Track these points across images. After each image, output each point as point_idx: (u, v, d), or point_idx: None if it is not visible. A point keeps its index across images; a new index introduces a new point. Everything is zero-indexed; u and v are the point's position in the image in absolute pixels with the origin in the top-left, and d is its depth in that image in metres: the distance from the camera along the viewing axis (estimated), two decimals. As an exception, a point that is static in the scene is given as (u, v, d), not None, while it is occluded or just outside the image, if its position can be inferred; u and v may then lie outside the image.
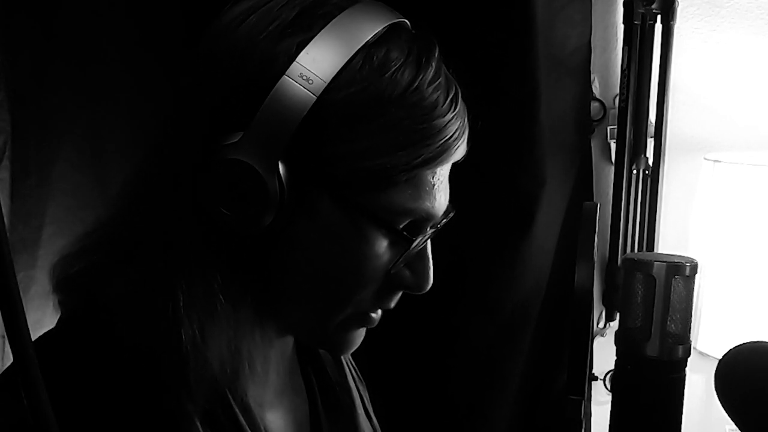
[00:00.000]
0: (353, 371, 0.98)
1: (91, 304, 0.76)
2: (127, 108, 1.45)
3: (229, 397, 0.77)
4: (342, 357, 0.96)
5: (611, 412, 0.98)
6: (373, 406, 0.99)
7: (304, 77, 0.68)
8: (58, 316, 0.80)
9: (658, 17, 1.55)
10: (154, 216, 0.74)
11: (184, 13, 1.41)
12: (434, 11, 1.09)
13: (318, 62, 0.69)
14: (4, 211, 0.44)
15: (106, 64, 1.44)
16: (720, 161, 1.47)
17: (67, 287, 0.78)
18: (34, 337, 0.48)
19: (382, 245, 0.75)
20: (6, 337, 0.57)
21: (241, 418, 0.78)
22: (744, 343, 0.90)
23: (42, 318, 1.38)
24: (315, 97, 0.69)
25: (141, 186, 0.77)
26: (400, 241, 0.75)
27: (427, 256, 0.79)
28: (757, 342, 0.90)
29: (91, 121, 1.46)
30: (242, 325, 0.75)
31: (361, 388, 0.98)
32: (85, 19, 1.42)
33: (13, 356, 0.46)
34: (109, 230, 0.79)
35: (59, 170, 1.45)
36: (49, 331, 0.79)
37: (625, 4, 1.56)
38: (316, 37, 0.70)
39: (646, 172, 1.60)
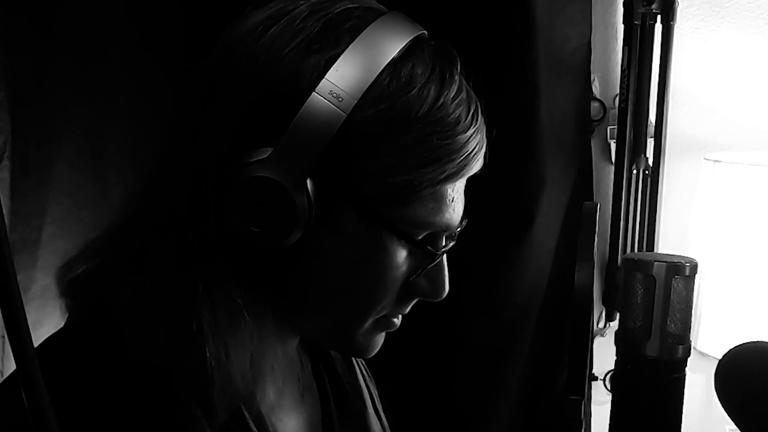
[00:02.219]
0: (363, 370, 0.99)
1: (101, 310, 0.75)
2: (127, 108, 1.45)
3: (242, 407, 0.77)
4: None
5: (611, 412, 0.98)
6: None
7: (334, 95, 0.68)
8: (66, 319, 0.79)
9: (658, 17, 1.55)
10: (173, 229, 0.73)
11: (184, 13, 1.41)
12: (434, 11, 1.09)
13: (347, 79, 0.69)
14: (4, 211, 0.44)
15: (106, 64, 1.44)
16: (720, 161, 1.47)
17: (74, 290, 0.78)
18: (34, 337, 0.48)
19: (402, 256, 0.75)
20: (6, 337, 0.57)
21: (253, 427, 0.77)
22: (744, 343, 0.90)
23: (42, 318, 1.38)
24: (345, 115, 0.68)
25: (154, 196, 0.76)
26: (422, 253, 0.76)
27: (443, 266, 0.79)
28: (757, 342, 0.90)
29: (91, 121, 1.46)
30: (264, 339, 0.75)
31: (371, 386, 0.98)
32: (85, 19, 1.42)
33: (14, 356, 0.46)
34: (118, 235, 0.78)
35: (59, 170, 1.45)
36: (56, 333, 0.78)
37: (625, 4, 1.55)
38: (344, 54, 0.69)
39: (646, 172, 1.60)
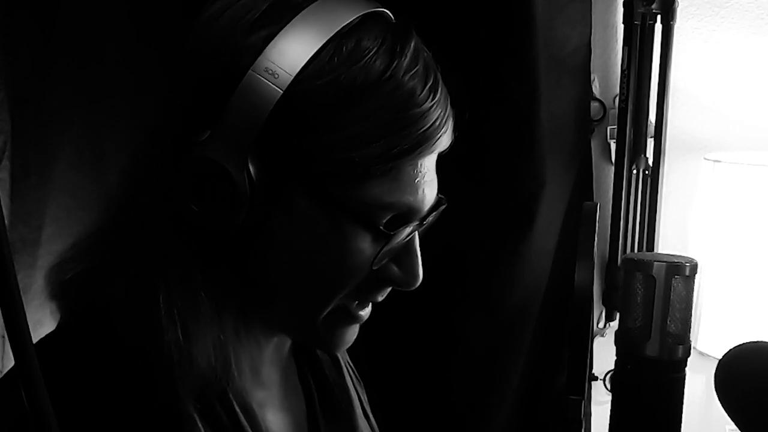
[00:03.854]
0: (351, 371, 0.98)
1: (87, 308, 0.76)
2: (127, 108, 1.45)
3: (230, 396, 0.77)
4: (340, 357, 0.96)
5: (611, 412, 0.98)
6: (371, 406, 0.99)
7: (270, 71, 0.68)
8: (58, 321, 0.80)
9: (658, 17, 1.55)
10: (138, 218, 0.74)
11: (184, 13, 1.40)
12: (434, 11, 1.09)
13: (285, 55, 0.68)
14: (4, 211, 0.44)
15: (106, 63, 1.44)
16: (720, 161, 1.47)
17: (63, 293, 0.78)
18: (34, 337, 0.48)
19: (364, 240, 0.73)
20: (6, 337, 0.57)
21: (242, 418, 0.77)
22: (744, 343, 0.90)
23: (42, 318, 1.37)
24: (281, 92, 0.68)
25: (126, 189, 0.77)
26: (379, 236, 0.73)
27: (415, 252, 0.77)
28: (757, 342, 0.90)
29: (91, 121, 1.46)
30: (227, 323, 0.75)
31: (359, 388, 0.98)
32: (85, 18, 1.42)
33: (14, 356, 0.46)
34: (100, 235, 0.79)
35: (59, 170, 1.45)
36: (48, 335, 0.78)
37: (625, 4, 1.55)
38: (283, 30, 0.69)
39: (646, 172, 1.60)
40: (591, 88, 1.59)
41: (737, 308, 1.46)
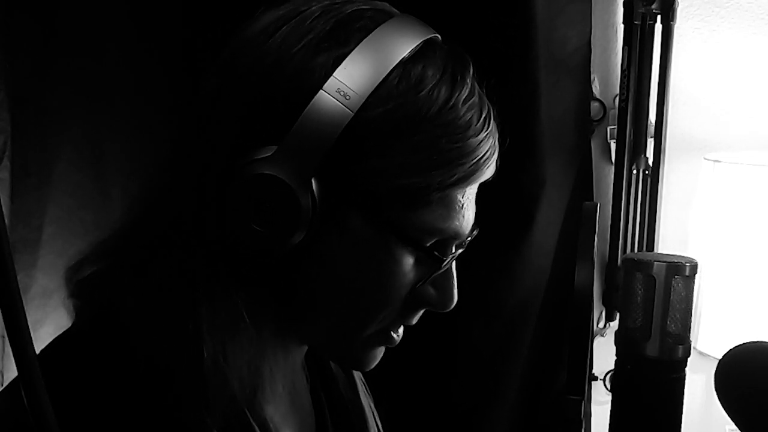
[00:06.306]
0: (364, 387, 0.97)
1: (108, 314, 0.74)
2: (128, 107, 1.45)
3: (247, 413, 0.76)
4: (354, 373, 0.95)
5: (611, 412, 0.98)
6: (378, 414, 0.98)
7: (342, 92, 0.67)
8: (73, 321, 0.78)
9: (658, 17, 1.55)
10: (176, 227, 0.72)
11: (184, 13, 1.41)
12: (434, 12, 1.09)
13: (355, 78, 0.68)
14: (4, 211, 0.44)
15: (106, 64, 1.44)
16: (720, 161, 1.48)
17: (82, 292, 0.77)
18: (34, 337, 0.48)
19: (409, 263, 0.74)
20: (6, 337, 0.57)
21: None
22: (744, 343, 0.90)
23: (42, 318, 1.38)
24: (352, 113, 0.67)
25: (161, 194, 0.76)
26: (429, 260, 0.74)
27: (452, 274, 0.78)
28: (757, 342, 0.90)
29: (91, 121, 1.46)
30: (264, 343, 0.74)
31: (370, 402, 0.97)
32: (85, 18, 1.42)
33: (14, 356, 0.46)
34: (126, 237, 0.77)
35: (59, 170, 1.45)
36: (63, 335, 0.77)
37: (625, 4, 1.56)
38: (353, 52, 0.69)
39: (646, 172, 1.60)
40: (591, 88, 1.59)
41: (737, 308, 1.46)
